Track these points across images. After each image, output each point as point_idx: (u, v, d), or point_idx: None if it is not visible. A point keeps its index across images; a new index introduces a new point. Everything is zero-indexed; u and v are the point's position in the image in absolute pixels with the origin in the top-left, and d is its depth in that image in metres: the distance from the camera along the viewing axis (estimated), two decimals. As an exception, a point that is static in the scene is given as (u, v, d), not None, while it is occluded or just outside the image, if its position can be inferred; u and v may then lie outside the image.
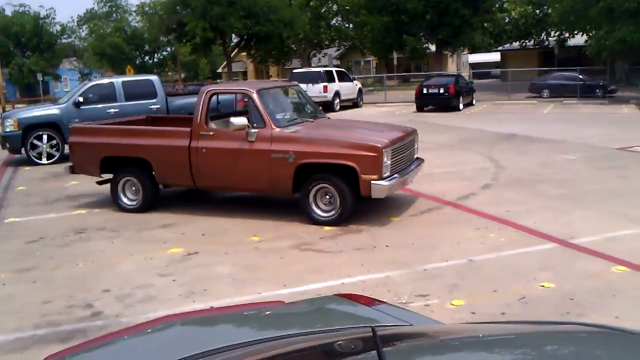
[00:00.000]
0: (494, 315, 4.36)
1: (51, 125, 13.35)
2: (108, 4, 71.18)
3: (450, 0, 35.26)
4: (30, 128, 13.22)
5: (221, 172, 7.47)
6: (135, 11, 64.22)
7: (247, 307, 2.74)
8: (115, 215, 8.08)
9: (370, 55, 49.82)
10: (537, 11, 42.26)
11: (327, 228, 6.90)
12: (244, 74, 62.89)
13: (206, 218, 7.65)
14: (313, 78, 25.48)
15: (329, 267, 5.62)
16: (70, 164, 8.60)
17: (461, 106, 24.08)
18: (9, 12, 59.33)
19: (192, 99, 15.10)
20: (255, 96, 7.35)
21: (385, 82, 33.66)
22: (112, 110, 13.58)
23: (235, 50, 44.71)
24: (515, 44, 46.85)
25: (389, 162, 6.75)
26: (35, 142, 13.21)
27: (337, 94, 25.96)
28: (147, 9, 53.23)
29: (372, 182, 6.61)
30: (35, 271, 5.87)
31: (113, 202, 8.21)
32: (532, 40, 44.60)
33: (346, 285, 5.10)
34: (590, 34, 30.72)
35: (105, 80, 14.77)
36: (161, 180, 8.10)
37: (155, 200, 8.18)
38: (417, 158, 8.14)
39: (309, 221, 7.05)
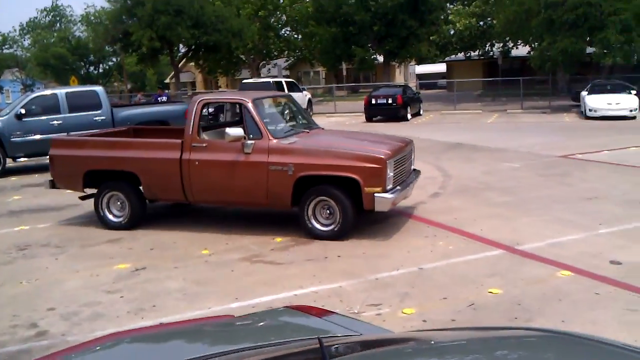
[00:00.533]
0: (444, 323, 4.42)
1: (-9, 137, 12.87)
2: (52, 14, 69.48)
3: (397, 12, 35.86)
4: (-32, 141, 12.71)
5: (215, 185, 7.13)
6: (80, 21, 63.03)
7: (197, 322, 2.70)
8: (59, 230, 7.84)
9: (319, 66, 50.12)
10: (481, 23, 43.42)
11: (278, 239, 6.87)
12: (193, 85, 62.30)
13: (154, 232, 7.49)
14: (262, 88, 25.38)
15: (280, 278, 5.59)
16: (50, 178, 8.16)
17: (409, 116, 24.49)
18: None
19: (138, 110, 15.03)
20: (250, 106, 7.07)
21: (334, 93, 33.95)
22: (55, 122, 13.26)
23: (183, 61, 44.27)
24: (461, 55, 48.00)
25: (392, 173, 6.56)
26: (-26, 155, 12.70)
27: (286, 104, 25.92)
28: (92, 18, 52.11)
29: (376, 194, 6.40)
30: (-26, 291, 5.62)
31: (97, 218, 7.77)
32: (477, 51, 45.75)
33: (298, 296, 5.08)
34: (533, 45, 31.73)
35: (48, 92, 14.39)
36: (150, 195, 7.68)
37: (142, 216, 7.76)
38: (414, 170, 8.01)
39: (307, 235, 6.83)
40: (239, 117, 8.38)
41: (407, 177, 7.36)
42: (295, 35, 50.34)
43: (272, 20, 48.63)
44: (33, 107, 13.35)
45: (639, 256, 5.86)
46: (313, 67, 52.91)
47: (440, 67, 57.56)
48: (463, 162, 12.21)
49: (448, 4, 43.03)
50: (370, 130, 18.88)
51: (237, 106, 8.47)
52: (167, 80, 61.52)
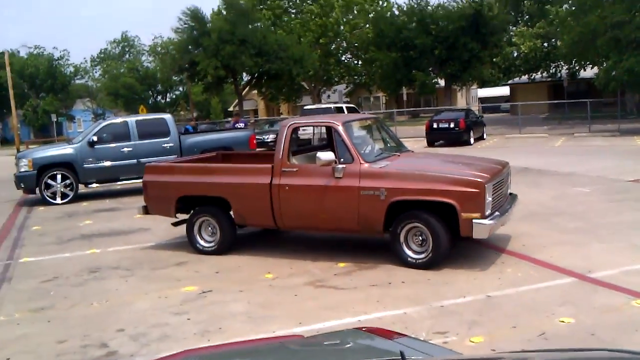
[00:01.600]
0: (514, 352, 4.28)
1: (65, 164, 13.46)
2: (121, 45, 72.64)
3: (458, 35, 35.65)
4: (44, 168, 13.32)
5: (305, 211, 6.99)
6: (148, 51, 65.62)
7: (265, 341, 2.71)
8: (128, 253, 8.09)
9: (379, 91, 50.25)
10: (546, 44, 42.57)
11: (341, 264, 6.86)
12: (255, 112, 63.58)
13: (219, 256, 7.61)
14: (323, 114, 25.62)
15: (344, 303, 5.57)
16: (143, 204, 8.29)
17: (472, 140, 24.08)
18: (23, 53, 60.74)
19: (204, 137, 15.43)
20: (341, 129, 6.91)
21: (395, 118, 33.87)
22: (126, 149, 13.74)
23: (247, 89, 45.32)
24: (525, 78, 47.10)
25: (490, 198, 6.23)
26: (50, 181, 13.30)
27: (347, 129, 26.01)
28: (159, 49, 54.17)
29: (474, 221, 6.06)
30: (49, 310, 5.86)
31: (189, 244, 7.79)
32: (541, 73, 44.80)
33: (363, 322, 5.03)
34: (600, 66, 30.86)
35: (119, 120, 14.95)
36: (240, 220, 7.61)
37: (233, 241, 7.72)
38: (511, 194, 7.64)
39: (400, 263, 6.52)
40: (329, 140, 8.28)
41: (504, 201, 7.04)
42: (356, 61, 50.75)
43: (333, 46, 49.26)
44: (104, 134, 13.87)
45: None
46: (373, 92, 53.07)
47: (504, 90, 56.64)
48: (531, 187, 11.89)
49: (511, 26, 42.42)
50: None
51: (327, 129, 8.26)
52: (231, 108, 63.08)
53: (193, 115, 53.69)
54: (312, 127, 9.53)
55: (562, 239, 7.56)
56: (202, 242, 7.71)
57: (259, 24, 40.55)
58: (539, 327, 4.73)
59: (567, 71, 41.48)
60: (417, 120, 39.04)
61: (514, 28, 44.17)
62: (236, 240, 7.81)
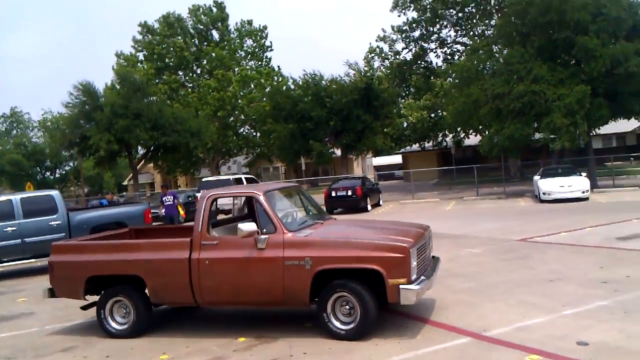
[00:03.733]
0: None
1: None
2: (9, 120, 69.37)
3: (352, 107, 37.07)
4: None
5: (227, 285, 6.68)
6: (36, 126, 62.99)
7: None
8: (9, 341, 7.42)
9: (278, 162, 50.83)
10: (433, 115, 45.14)
11: (241, 339, 6.63)
12: (152, 185, 62.10)
13: (111, 339, 7.12)
14: (222, 186, 25.45)
15: (244, 381, 5.34)
16: (49, 286, 7.66)
17: (369, 207, 24.72)
18: None
19: (94, 213, 14.76)
20: (262, 199, 6.79)
21: (294, 187, 34.09)
22: (9, 228, 12.92)
23: (142, 162, 44.30)
24: (415, 146, 49.45)
25: (415, 262, 6.18)
26: None
27: (247, 200, 25.95)
28: (49, 124, 52.19)
29: (401, 286, 6.00)
30: None
31: (100, 327, 7.22)
32: (431, 142, 47.26)
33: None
34: (483, 134, 32.95)
35: (3, 198, 14.06)
36: (156, 299, 7.15)
37: (148, 322, 7.24)
38: (433, 257, 7.62)
39: (328, 335, 6.33)
40: (249, 210, 8.09)
41: (428, 265, 6.99)
42: (254, 133, 51.30)
43: (231, 119, 49.62)
44: (-15, 214, 12.98)
45: (604, 336, 5.83)
46: (272, 163, 53.61)
47: (396, 159, 59.16)
48: (425, 250, 12.23)
49: (400, 99, 44.73)
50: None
51: (248, 199, 8.05)
52: (125, 182, 61.23)
53: (84, 191, 51.54)
54: (232, 198, 9.08)
55: (457, 299, 7.77)
56: (114, 325, 7.19)
57: (153, 98, 40.20)
58: (439, 390, 4.74)
59: (452, 139, 43.98)
60: (316, 189, 39.62)
61: (403, 100, 46.62)
62: (152, 321, 7.34)
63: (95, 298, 7.45)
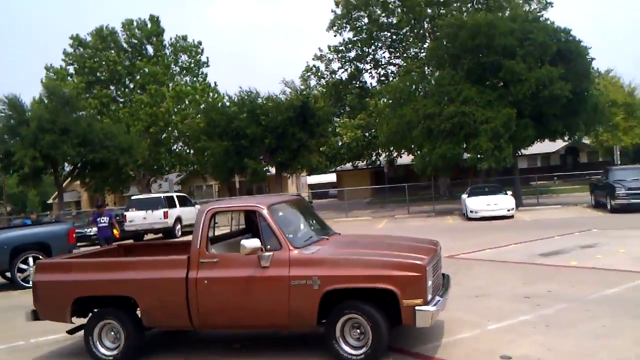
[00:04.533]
0: None
1: None
2: None
3: (287, 126, 37.05)
4: None
5: (228, 307, 6.21)
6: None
7: None
8: None
9: (212, 180, 50.15)
10: (367, 134, 45.72)
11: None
12: (77, 204, 59.98)
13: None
14: (153, 204, 24.83)
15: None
16: (32, 308, 7.07)
17: (303, 225, 24.64)
18: None
19: (15, 233, 14.02)
20: (266, 213, 6.33)
21: (227, 205, 33.64)
22: None
23: (68, 180, 42.71)
24: (349, 165, 49.90)
25: (430, 282, 5.80)
26: None
27: (178, 219, 25.43)
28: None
29: (417, 308, 5.61)
30: None
31: (87, 353, 6.69)
32: (364, 161, 47.81)
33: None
34: (415, 153, 33.67)
35: None
36: (149, 322, 6.63)
37: (138, 346, 6.74)
38: (443, 275, 7.08)
39: None
40: (247, 226, 7.68)
41: (440, 284, 6.55)
42: (187, 150, 50.46)
43: (164, 136, 48.67)
44: None
45: (526, 349, 5.94)
46: (205, 180, 52.85)
47: (331, 177, 59.50)
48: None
49: (335, 117, 45.13)
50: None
51: (249, 214, 7.46)
52: (50, 201, 58.86)
53: (6, 209, 49.18)
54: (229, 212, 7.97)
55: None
56: (102, 350, 6.66)
57: (83, 113, 38.95)
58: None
59: (386, 158, 44.67)
60: (250, 208, 39.12)
61: (338, 119, 47.07)
62: (142, 345, 6.88)
63: (83, 321, 6.96)
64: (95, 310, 6.88)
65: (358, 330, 5.89)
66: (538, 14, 35.45)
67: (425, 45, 38.70)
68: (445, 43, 29.73)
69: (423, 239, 7.49)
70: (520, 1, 38.15)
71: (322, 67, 43.06)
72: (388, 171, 44.89)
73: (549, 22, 29.99)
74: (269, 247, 6.14)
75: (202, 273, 6.25)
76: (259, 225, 6.47)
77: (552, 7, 38.57)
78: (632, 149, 48.17)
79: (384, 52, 41.75)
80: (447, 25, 29.66)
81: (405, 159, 40.71)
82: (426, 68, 33.68)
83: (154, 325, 6.78)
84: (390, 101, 32.87)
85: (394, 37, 40.68)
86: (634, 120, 45.49)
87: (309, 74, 44.22)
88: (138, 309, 6.66)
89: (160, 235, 25.33)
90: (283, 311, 5.99)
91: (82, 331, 6.87)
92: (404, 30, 39.98)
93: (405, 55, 41.18)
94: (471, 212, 22.91)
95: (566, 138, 31.76)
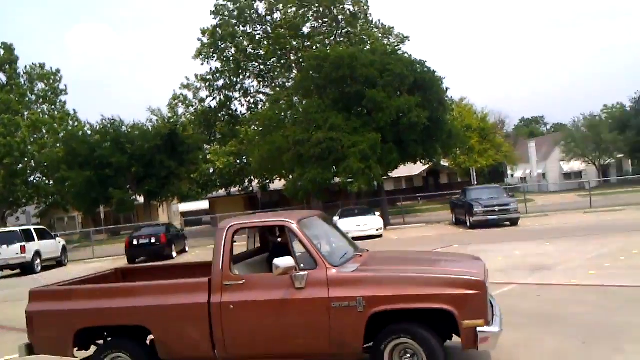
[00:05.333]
0: None
1: None
2: None
3: (155, 153, 36.19)
4: None
5: (258, 334, 5.50)
6: None
7: None
8: None
9: (74, 211, 47.48)
10: (239, 161, 45.75)
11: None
12: None
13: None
14: (8, 239, 23.02)
15: None
16: (26, 342, 6.14)
17: (174, 254, 24.09)
18: None
19: None
20: (296, 228, 5.68)
21: (92, 237, 32.13)
22: None
23: None
24: (222, 192, 49.55)
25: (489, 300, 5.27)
26: None
27: (37, 253, 23.73)
28: None
29: (479, 329, 5.02)
30: None
31: None
32: (237, 187, 47.73)
33: None
34: (287, 178, 34.22)
35: None
36: (165, 354, 5.78)
37: None
38: None
39: None
40: (263, 244, 7.06)
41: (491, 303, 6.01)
42: (46, 181, 47.46)
43: (20, 166, 45.44)
44: None
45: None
46: (68, 212, 49.91)
47: (204, 204, 58.61)
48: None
49: (206, 145, 44.72)
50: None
51: (279, 230, 6.71)
52: None
53: None
54: (251, 229, 7.14)
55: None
56: None
57: None
58: None
59: (258, 184, 44.90)
60: (117, 238, 37.62)
61: (209, 146, 46.69)
62: None
63: (85, 354, 6.19)
64: (101, 342, 6.20)
65: (408, 356, 5.30)
66: (396, 47, 37.68)
67: (292, 75, 39.62)
68: (311, 74, 30.69)
69: (463, 254, 7.06)
70: (380, 35, 40.37)
71: (190, 95, 42.56)
72: (261, 196, 45.10)
73: (406, 54, 31.97)
74: (302, 266, 5.50)
75: (227, 297, 5.55)
76: (289, 243, 5.77)
77: (408, 40, 41.21)
78: (487, 169, 52.22)
79: (252, 81, 42.14)
80: (311, 57, 30.67)
81: (278, 184, 41.20)
82: (294, 97, 34.50)
83: (171, 357, 5.87)
84: (261, 128, 33.23)
85: (262, 67, 41.25)
86: (487, 143, 49.43)
87: (176, 102, 43.48)
88: (148, 338, 6.01)
89: (18, 270, 23.52)
90: (323, 337, 5.36)
91: None
92: (271, 61, 40.69)
93: (273, 84, 41.87)
94: (342, 234, 23.58)
95: (426, 161, 33.75)
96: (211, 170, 48.20)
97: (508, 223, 22.66)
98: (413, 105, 26.61)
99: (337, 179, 29.76)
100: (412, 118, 26.39)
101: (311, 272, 5.42)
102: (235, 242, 5.97)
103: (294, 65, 40.00)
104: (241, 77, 41.61)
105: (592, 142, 50.98)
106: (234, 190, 48.75)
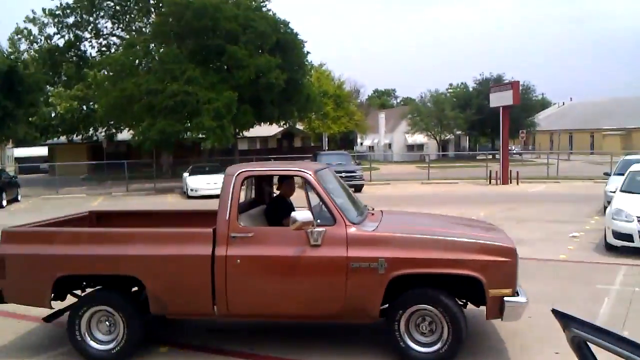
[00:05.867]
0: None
1: None
2: None
3: (-11, 91, 32.89)
4: None
5: (265, 292, 5.05)
6: None
7: None
8: None
9: None
10: (84, 107, 42.88)
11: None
12: None
13: None
14: None
15: None
16: None
17: (4, 202, 22.30)
18: None
19: None
20: (313, 179, 5.17)
21: None
22: None
23: None
24: (63, 139, 46.30)
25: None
26: None
27: None
28: None
29: (506, 299, 4.79)
30: None
31: (74, 347, 5.26)
32: (81, 134, 44.83)
33: None
34: (137, 129, 32.81)
35: None
36: (158, 308, 5.18)
37: (141, 339, 5.31)
38: None
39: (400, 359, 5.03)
40: (258, 196, 6.55)
41: None
42: None
43: None
44: None
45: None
46: None
47: (42, 150, 54.67)
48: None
49: (49, 86, 41.39)
50: None
51: (282, 181, 6.16)
52: None
53: None
54: (254, 179, 6.50)
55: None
56: (93, 344, 5.25)
57: None
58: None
59: (105, 133, 42.61)
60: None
61: (52, 88, 43.24)
62: (145, 338, 5.46)
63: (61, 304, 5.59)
64: (82, 293, 5.61)
65: (427, 323, 5.06)
66: (261, 3, 37.24)
67: (150, 20, 37.68)
68: (170, 20, 29.45)
69: (480, 221, 6.87)
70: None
71: (36, 30, 38.95)
72: (107, 147, 42.87)
73: (270, 12, 31.71)
74: (318, 221, 5.02)
75: (233, 250, 5.08)
76: (306, 194, 5.29)
77: (275, -3, 40.92)
78: (339, 136, 53.92)
79: (106, 22, 39.36)
80: (172, 2, 29.36)
81: (126, 134, 39.38)
82: (150, 44, 32.85)
83: (164, 312, 5.36)
84: (111, 74, 31.36)
85: (118, 7, 38.66)
86: (342, 110, 50.93)
87: (19, 36, 39.62)
88: (142, 291, 5.42)
89: None
90: (337, 299, 4.99)
91: (62, 319, 5.56)
92: (129, 2, 38.30)
93: (129, 28, 39.54)
94: (191, 190, 23.28)
95: (282, 123, 34.10)
96: (52, 115, 44.74)
97: (353, 189, 23.63)
98: (273, 66, 26.63)
99: (189, 134, 29.12)
100: (271, 79, 26.43)
101: (329, 228, 5.02)
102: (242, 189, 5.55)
103: (152, 9, 38.00)
104: (94, 15, 38.66)
105: (435, 117, 54.43)
106: (76, 138, 45.68)
